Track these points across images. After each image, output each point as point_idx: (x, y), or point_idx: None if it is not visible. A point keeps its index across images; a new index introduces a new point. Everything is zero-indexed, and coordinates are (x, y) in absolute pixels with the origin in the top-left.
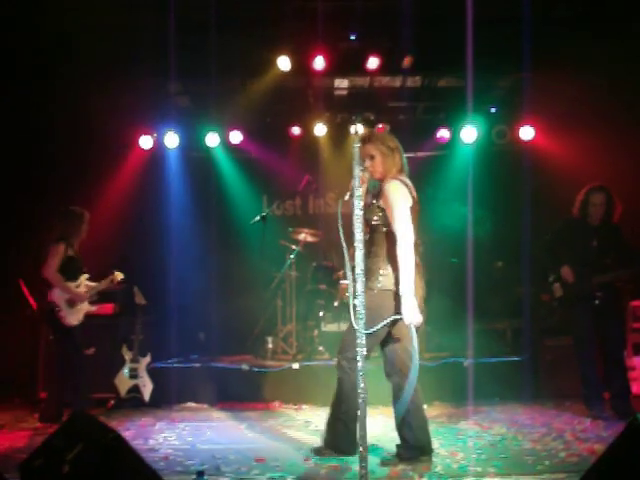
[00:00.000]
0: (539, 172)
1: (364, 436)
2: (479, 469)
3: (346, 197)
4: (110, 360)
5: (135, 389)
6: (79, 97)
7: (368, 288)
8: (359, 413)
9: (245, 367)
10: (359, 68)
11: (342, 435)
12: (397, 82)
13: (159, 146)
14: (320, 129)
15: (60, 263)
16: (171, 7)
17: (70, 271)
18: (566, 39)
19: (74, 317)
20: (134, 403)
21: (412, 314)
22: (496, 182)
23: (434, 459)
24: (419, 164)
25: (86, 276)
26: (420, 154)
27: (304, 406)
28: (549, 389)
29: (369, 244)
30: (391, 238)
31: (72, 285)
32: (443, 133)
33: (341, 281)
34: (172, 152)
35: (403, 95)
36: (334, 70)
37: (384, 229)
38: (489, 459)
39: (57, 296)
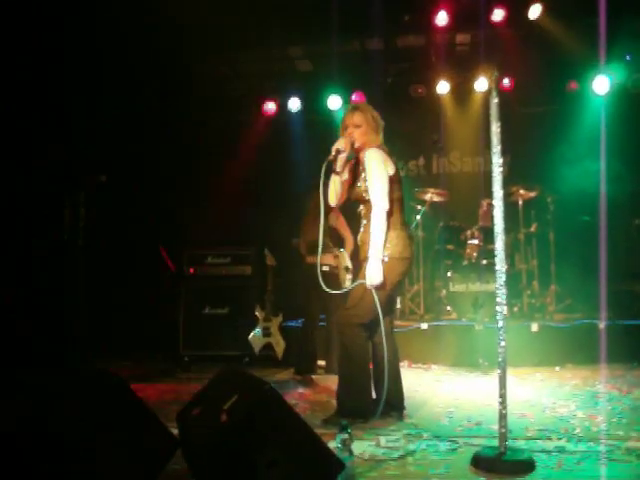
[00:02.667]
0: None
1: (504, 395)
2: (620, 433)
3: (332, 154)
4: (244, 319)
5: (268, 347)
6: (203, 64)
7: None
8: (499, 372)
9: None
10: (482, 21)
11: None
12: (521, 33)
13: (282, 111)
14: (442, 87)
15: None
16: None
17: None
18: None
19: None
20: (268, 360)
21: (374, 278)
22: (633, 135)
23: (572, 421)
24: (547, 118)
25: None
26: (548, 107)
27: (433, 366)
28: None
29: (362, 217)
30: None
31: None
32: (573, 84)
33: (469, 241)
34: (295, 116)
35: (528, 46)
36: (456, 25)
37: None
38: (630, 423)
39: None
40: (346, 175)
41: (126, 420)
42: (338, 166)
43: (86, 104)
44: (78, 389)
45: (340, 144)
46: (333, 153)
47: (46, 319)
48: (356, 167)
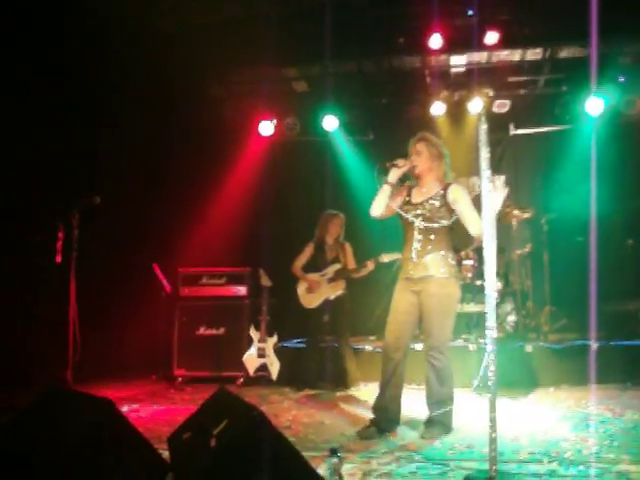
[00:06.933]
0: None
1: (494, 418)
2: (612, 456)
3: (388, 162)
4: (239, 340)
5: (263, 368)
6: (199, 86)
7: (452, 276)
8: (489, 396)
9: (369, 348)
10: (477, 44)
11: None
12: (516, 56)
13: (278, 132)
14: (437, 108)
15: (307, 259)
16: None
17: (316, 264)
18: None
19: (309, 301)
20: (262, 381)
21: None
22: (625, 156)
23: (564, 444)
24: (541, 140)
25: (336, 266)
26: (542, 129)
27: None
28: None
29: (433, 233)
30: (450, 231)
31: (315, 275)
32: (567, 106)
33: (464, 262)
34: (291, 137)
35: (523, 69)
36: (450, 47)
37: (448, 224)
38: (622, 446)
39: (299, 285)
40: (401, 190)
41: (116, 444)
42: (391, 177)
43: (80, 127)
44: (67, 412)
45: (401, 161)
46: (391, 162)
47: (39, 340)
48: (410, 189)
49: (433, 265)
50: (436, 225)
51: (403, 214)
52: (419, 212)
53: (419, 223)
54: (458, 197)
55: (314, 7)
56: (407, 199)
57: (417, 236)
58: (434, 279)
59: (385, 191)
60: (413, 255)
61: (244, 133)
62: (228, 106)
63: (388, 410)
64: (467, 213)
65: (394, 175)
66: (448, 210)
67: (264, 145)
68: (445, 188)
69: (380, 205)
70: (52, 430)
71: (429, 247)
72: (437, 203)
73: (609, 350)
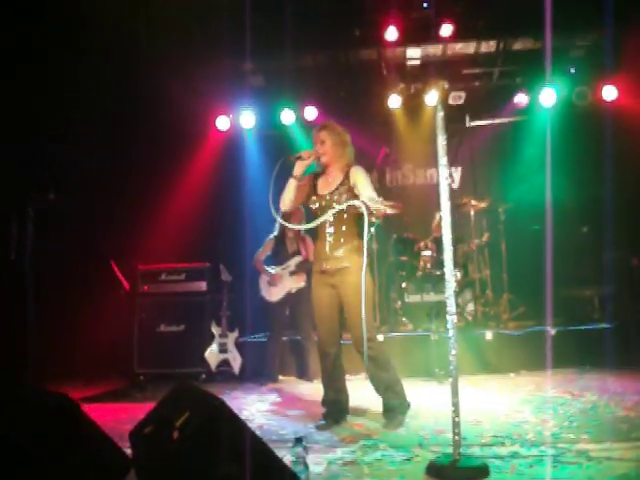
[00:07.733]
0: (623, 134)
1: (457, 403)
2: (572, 436)
3: (293, 156)
4: (200, 336)
5: (225, 363)
6: (156, 81)
7: (362, 265)
8: (451, 380)
9: None
10: (432, 36)
11: (403, 395)
12: (471, 48)
13: (235, 126)
14: (394, 100)
15: (267, 253)
16: None
17: (277, 258)
18: None
19: (272, 294)
20: (225, 376)
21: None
22: (578, 146)
23: (525, 426)
24: (497, 131)
25: (297, 259)
26: (497, 121)
27: None
28: None
29: (344, 224)
30: (359, 219)
31: (277, 268)
32: (521, 98)
33: (423, 252)
34: (249, 132)
35: (478, 61)
36: (406, 40)
37: (355, 211)
38: (581, 426)
39: (261, 278)
40: (306, 182)
41: (78, 442)
42: (296, 170)
43: (36, 121)
44: (29, 412)
45: (305, 152)
46: (295, 155)
47: None
48: (316, 179)
49: (348, 256)
50: (345, 215)
51: (311, 207)
52: (326, 204)
53: (328, 216)
54: (357, 179)
55: (271, 0)
56: (313, 191)
57: (328, 229)
58: (350, 270)
59: (291, 185)
60: (327, 248)
61: (202, 128)
62: (185, 101)
63: (339, 402)
64: (363, 191)
65: (299, 168)
66: (353, 196)
67: (222, 139)
68: (347, 175)
69: (289, 199)
70: (12, 428)
71: (342, 239)
72: (343, 192)
73: (566, 335)
